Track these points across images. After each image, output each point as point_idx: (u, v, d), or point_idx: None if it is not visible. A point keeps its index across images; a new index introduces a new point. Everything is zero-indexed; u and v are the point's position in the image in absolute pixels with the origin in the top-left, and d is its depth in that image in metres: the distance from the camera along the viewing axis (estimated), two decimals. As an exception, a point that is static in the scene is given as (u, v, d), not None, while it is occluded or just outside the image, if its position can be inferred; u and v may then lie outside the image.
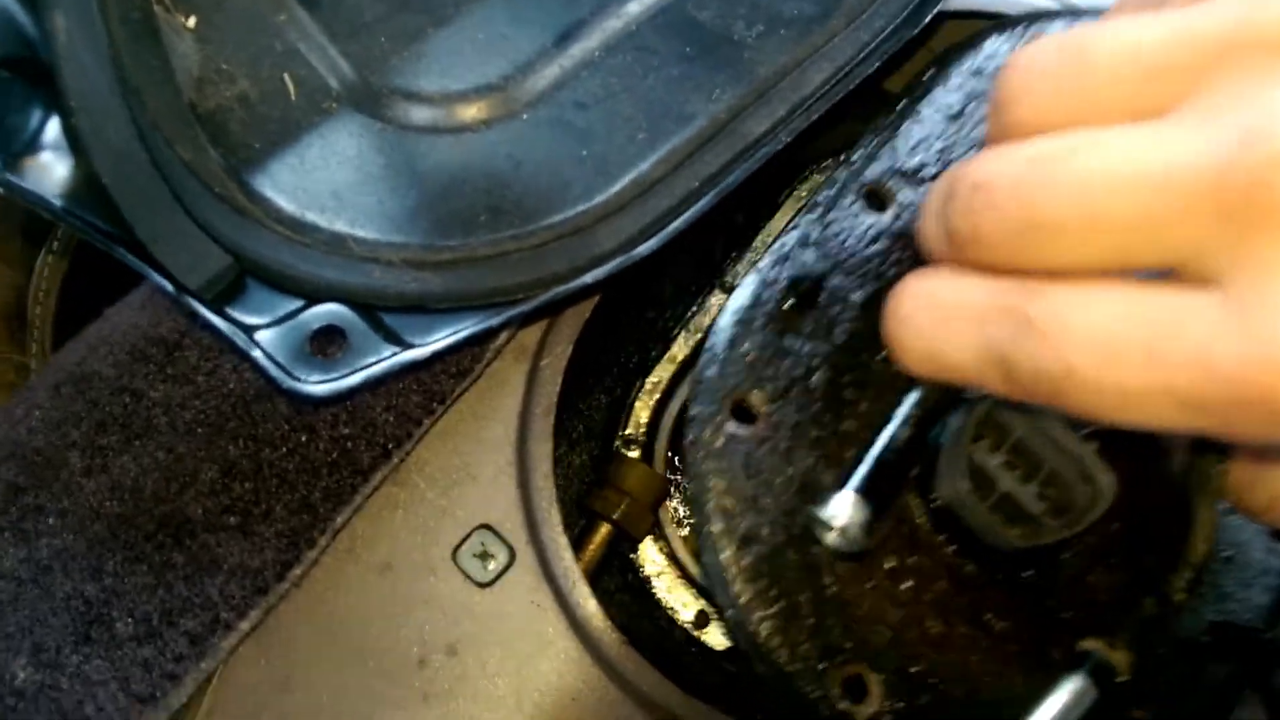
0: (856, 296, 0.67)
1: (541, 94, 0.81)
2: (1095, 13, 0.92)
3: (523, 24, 0.82)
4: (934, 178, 0.73)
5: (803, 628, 0.58)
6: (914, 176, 0.73)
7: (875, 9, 0.81)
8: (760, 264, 0.70)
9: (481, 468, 0.87)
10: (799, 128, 0.77)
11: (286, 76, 0.81)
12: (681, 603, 1.01)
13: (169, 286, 0.73)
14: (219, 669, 0.79)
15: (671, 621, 1.00)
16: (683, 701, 0.84)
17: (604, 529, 0.96)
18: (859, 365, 0.65)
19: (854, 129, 1.09)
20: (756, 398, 0.63)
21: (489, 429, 0.87)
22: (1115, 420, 0.43)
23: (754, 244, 1.09)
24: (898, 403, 0.61)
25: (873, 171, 0.73)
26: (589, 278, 0.73)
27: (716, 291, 1.07)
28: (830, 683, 0.57)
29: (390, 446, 0.81)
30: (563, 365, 0.89)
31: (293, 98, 0.80)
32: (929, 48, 1.05)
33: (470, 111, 0.80)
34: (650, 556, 1.02)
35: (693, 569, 1.02)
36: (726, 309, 0.67)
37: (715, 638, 0.99)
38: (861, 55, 0.79)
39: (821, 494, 0.60)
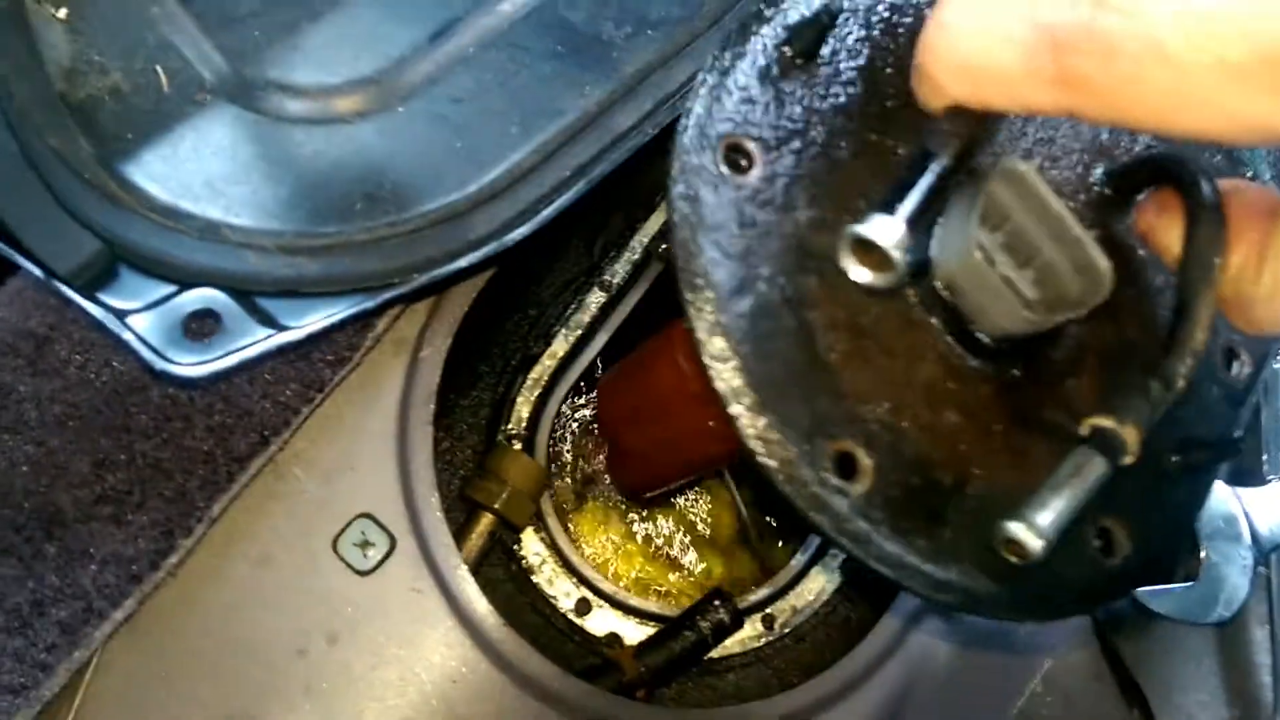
0: (862, 47, 0.61)
1: (416, 88, 0.83)
2: None
3: (398, 20, 0.85)
4: None
5: (794, 394, 0.54)
6: None
7: (735, 12, 0.85)
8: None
9: (361, 457, 0.88)
10: (664, 121, 0.81)
11: (159, 68, 0.81)
12: (564, 591, 1.03)
13: (39, 272, 0.73)
14: (95, 661, 0.78)
15: (554, 609, 1.02)
16: (563, 680, 0.86)
17: (486, 519, 0.97)
18: (862, 120, 0.60)
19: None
20: (752, 145, 0.57)
21: (369, 419, 0.89)
22: (1181, 125, 0.40)
23: (631, 244, 1.12)
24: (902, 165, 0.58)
25: None
26: (463, 261, 0.76)
27: (596, 290, 1.10)
28: (820, 455, 0.53)
29: (268, 434, 0.82)
30: (442, 357, 0.91)
31: (165, 89, 0.81)
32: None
33: (345, 104, 0.82)
34: (532, 548, 1.04)
35: (574, 558, 1.05)
36: (721, 53, 0.60)
37: (596, 624, 1.02)
38: (723, 54, 0.84)
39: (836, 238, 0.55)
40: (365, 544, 0.86)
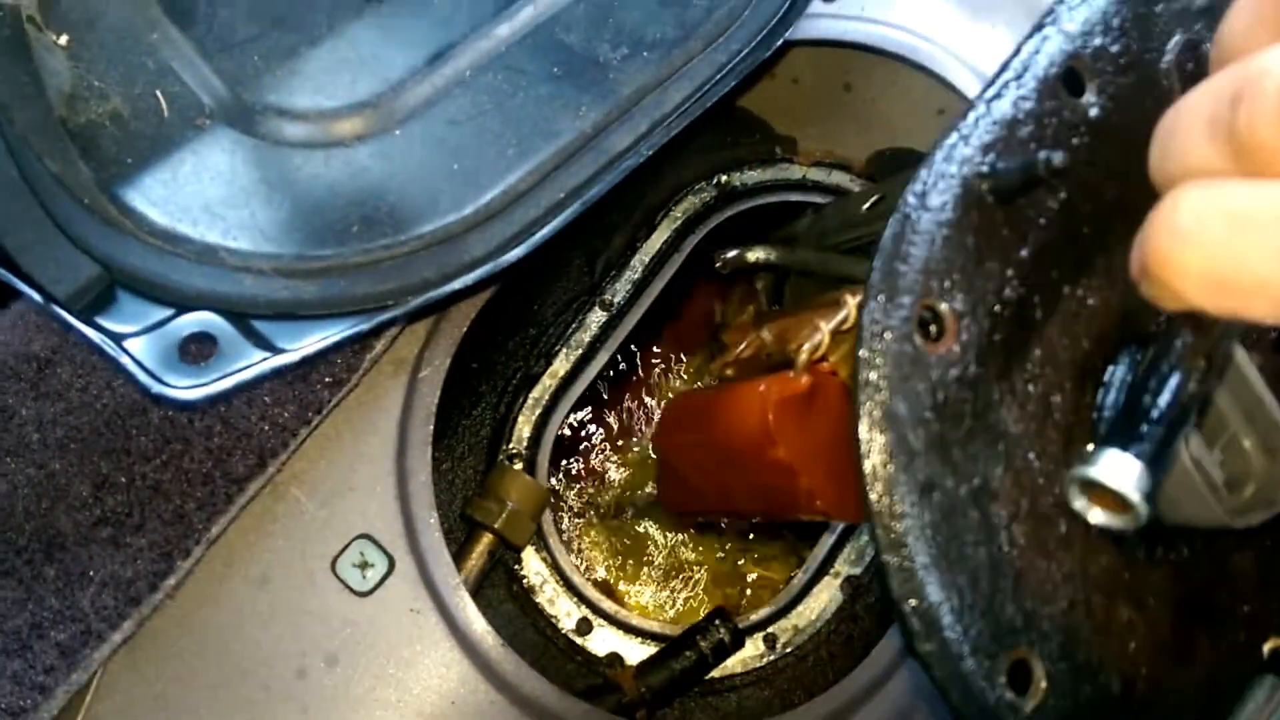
0: (1053, 202, 0.55)
1: (414, 111, 0.83)
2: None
3: (396, 44, 0.85)
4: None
5: (978, 599, 0.49)
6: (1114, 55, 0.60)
7: (731, 34, 0.85)
8: (966, 133, 0.55)
9: (360, 479, 0.88)
10: (659, 142, 0.81)
11: (159, 93, 0.82)
12: (565, 611, 1.03)
13: (37, 297, 0.74)
14: (95, 683, 0.79)
15: (555, 629, 1.02)
16: (562, 700, 0.86)
17: (486, 538, 0.98)
18: (1050, 284, 0.55)
19: (722, 157, 1.16)
20: (945, 308, 0.51)
21: (368, 441, 0.89)
22: None
23: (632, 263, 1.13)
24: (1110, 339, 0.54)
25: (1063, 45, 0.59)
26: (459, 283, 0.76)
27: (596, 309, 1.11)
28: (997, 669, 0.49)
29: (266, 456, 0.82)
30: (441, 378, 0.91)
31: (165, 114, 0.82)
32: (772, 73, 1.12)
33: (344, 127, 0.83)
34: (534, 567, 1.04)
35: (575, 578, 1.04)
36: (911, 194, 0.52)
37: (597, 644, 1.02)
38: (718, 76, 0.84)
39: (1075, 451, 0.51)
40: (364, 565, 0.86)
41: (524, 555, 1.04)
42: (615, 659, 1.02)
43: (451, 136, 0.83)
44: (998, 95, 0.55)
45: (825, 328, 0.87)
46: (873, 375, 0.49)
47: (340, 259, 0.77)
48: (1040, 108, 0.56)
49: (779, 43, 0.85)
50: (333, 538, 0.86)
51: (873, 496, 0.49)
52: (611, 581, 1.12)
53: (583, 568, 1.10)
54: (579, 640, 1.02)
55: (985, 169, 0.53)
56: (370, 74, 0.84)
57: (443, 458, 1.05)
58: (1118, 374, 0.55)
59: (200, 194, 0.79)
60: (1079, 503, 0.48)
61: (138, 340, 0.74)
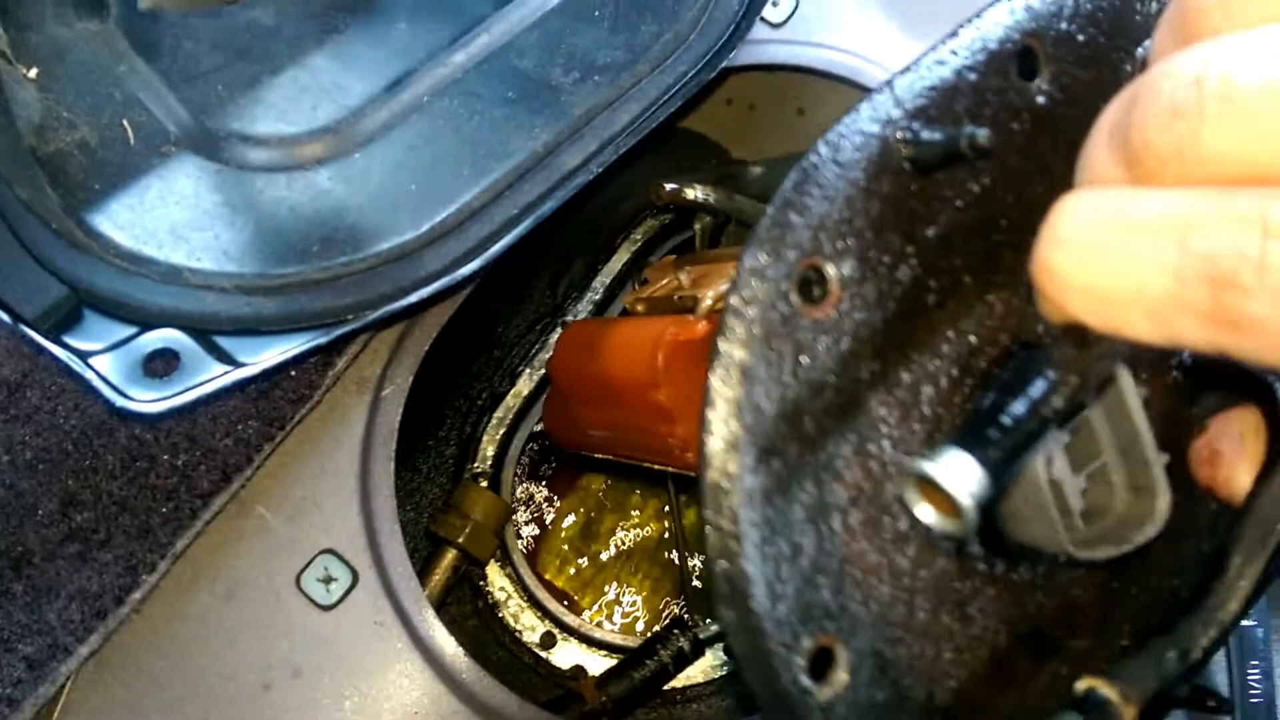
0: (975, 185, 0.52)
1: (373, 135, 0.86)
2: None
3: (355, 72, 0.88)
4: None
5: (794, 575, 0.46)
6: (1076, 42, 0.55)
7: (676, 58, 0.89)
8: (898, 91, 0.50)
9: (324, 495, 0.90)
10: (609, 160, 0.84)
11: (126, 123, 0.85)
12: (529, 625, 1.05)
13: (6, 317, 0.76)
14: (63, 696, 0.80)
15: (520, 643, 1.04)
16: (524, 710, 0.88)
17: (450, 554, 0.99)
18: (952, 270, 0.51)
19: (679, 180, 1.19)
20: (833, 271, 0.47)
21: (332, 458, 0.91)
22: None
23: (593, 284, 1.16)
24: (996, 348, 0.50)
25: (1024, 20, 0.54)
26: (415, 296, 0.78)
27: (559, 330, 1.14)
28: (798, 650, 0.46)
29: (230, 472, 0.84)
30: (403, 395, 0.94)
31: (132, 142, 0.84)
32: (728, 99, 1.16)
33: (305, 152, 0.86)
34: (499, 583, 1.06)
35: (539, 593, 1.06)
36: (824, 143, 0.49)
37: (561, 657, 1.03)
38: (665, 98, 0.87)
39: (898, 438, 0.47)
40: (328, 579, 0.88)
41: (489, 571, 1.06)
42: (579, 671, 1.03)
43: (409, 159, 0.86)
44: (941, 60, 0.51)
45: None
46: (737, 326, 0.45)
47: (301, 276, 0.79)
48: (985, 82, 0.51)
49: (722, 65, 0.89)
50: (297, 552, 0.88)
51: (707, 450, 0.45)
52: (575, 594, 1.13)
53: (546, 583, 1.12)
54: (543, 654, 1.04)
55: (909, 135, 0.48)
56: (331, 101, 0.87)
57: (410, 476, 1.07)
58: (1002, 377, 0.51)
59: (166, 217, 0.82)
60: (911, 495, 0.46)
61: (103, 357, 0.76)
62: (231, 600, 0.86)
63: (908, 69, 0.50)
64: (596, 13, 0.92)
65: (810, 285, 0.47)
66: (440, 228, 0.82)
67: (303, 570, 0.88)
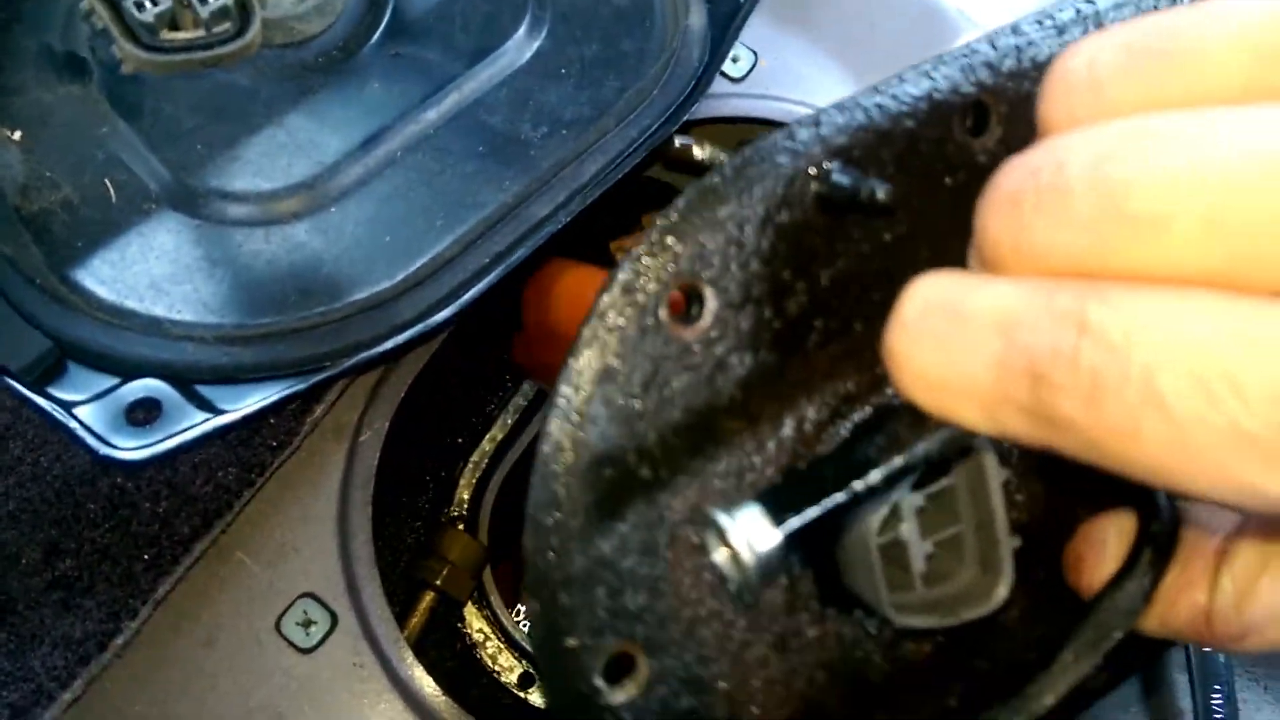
0: (889, 235, 0.50)
1: (348, 189, 0.90)
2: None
3: (330, 130, 0.92)
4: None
5: (610, 578, 0.45)
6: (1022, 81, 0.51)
7: (640, 111, 0.93)
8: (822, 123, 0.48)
9: (303, 540, 0.92)
10: (576, 209, 0.88)
11: (108, 181, 0.88)
12: (506, 666, 1.06)
13: (-10, 371, 0.78)
14: (45, 745, 0.81)
15: (498, 684, 1.06)
16: (503, 749, 0.90)
17: (428, 596, 1.01)
18: (842, 314, 0.49)
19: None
20: (711, 293, 0.46)
21: (310, 504, 0.93)
22: (1184, 487, 0.32)
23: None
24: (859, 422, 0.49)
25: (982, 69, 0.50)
26: (390, 344, 0.81)
27: (530, 376, 1.16)
28: (598, 653, 0.44)
29: (211, 517, 0.86)
30: (380, 441, 0.96)
31: (114, 200, 0.87)
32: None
33: (282, 207, 0.89)
34: (475, 624, 1.08)
35: (516, 634, 1.08)
36: (730, 165, 0.47)
37: (539, 697, 1.05)
38: (630, 150, 0.91)
39: (720, 478, 0.46)
40: (308, 622, 0.90)
41: (467, 613, 1.08)
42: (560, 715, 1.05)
43: (383, 211, 0.89)
44: (880, 103, 0.48)
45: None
46: (599, 328, 0.44)
47: (279, 325, 0.82)
48: (921, 132, 0.49)
49: (684, 118, 0.92)
50: (276, 597, 0.90)
51: (546, 448, 0.44)
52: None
53: (524, 624, 1.13)
54: (521, 694, 1.05)
55: (820, 172, 0.47)
56: (306, 157, 0.90)
57: (388, 520, 1.09)
58: (844, 436, 0.49)
59: (146, 272, 0.84)
60: (711, 538, 0.44)
61: (86, 407, 0.78)
62: (213, 645, 0.88)
63: (843, 105, 0.48)
64: (563, 70, 0.96)
65: (689, 303, 0.46)
66: (414, 277, 0.85)
67: (283, 614, 0.90)
